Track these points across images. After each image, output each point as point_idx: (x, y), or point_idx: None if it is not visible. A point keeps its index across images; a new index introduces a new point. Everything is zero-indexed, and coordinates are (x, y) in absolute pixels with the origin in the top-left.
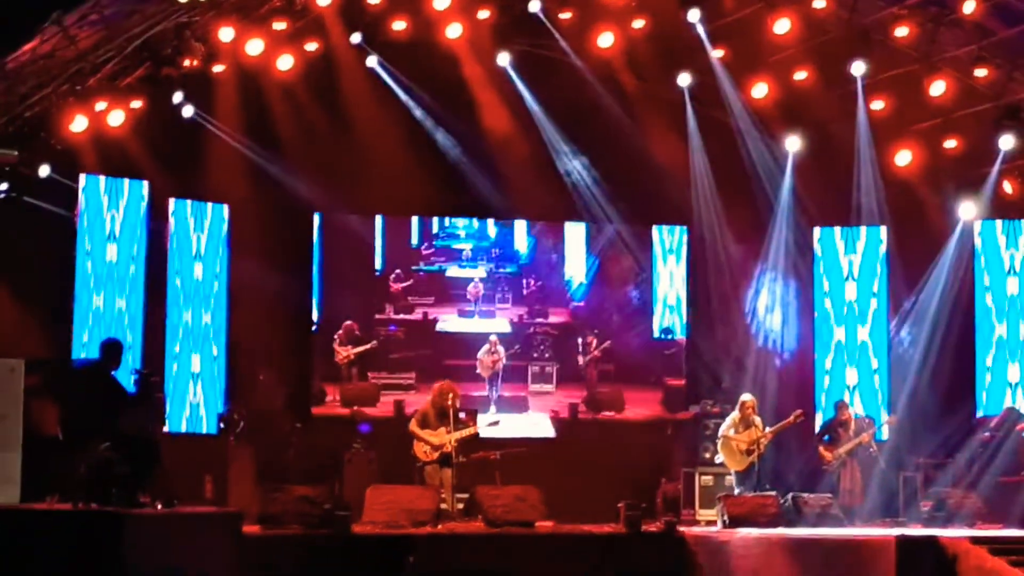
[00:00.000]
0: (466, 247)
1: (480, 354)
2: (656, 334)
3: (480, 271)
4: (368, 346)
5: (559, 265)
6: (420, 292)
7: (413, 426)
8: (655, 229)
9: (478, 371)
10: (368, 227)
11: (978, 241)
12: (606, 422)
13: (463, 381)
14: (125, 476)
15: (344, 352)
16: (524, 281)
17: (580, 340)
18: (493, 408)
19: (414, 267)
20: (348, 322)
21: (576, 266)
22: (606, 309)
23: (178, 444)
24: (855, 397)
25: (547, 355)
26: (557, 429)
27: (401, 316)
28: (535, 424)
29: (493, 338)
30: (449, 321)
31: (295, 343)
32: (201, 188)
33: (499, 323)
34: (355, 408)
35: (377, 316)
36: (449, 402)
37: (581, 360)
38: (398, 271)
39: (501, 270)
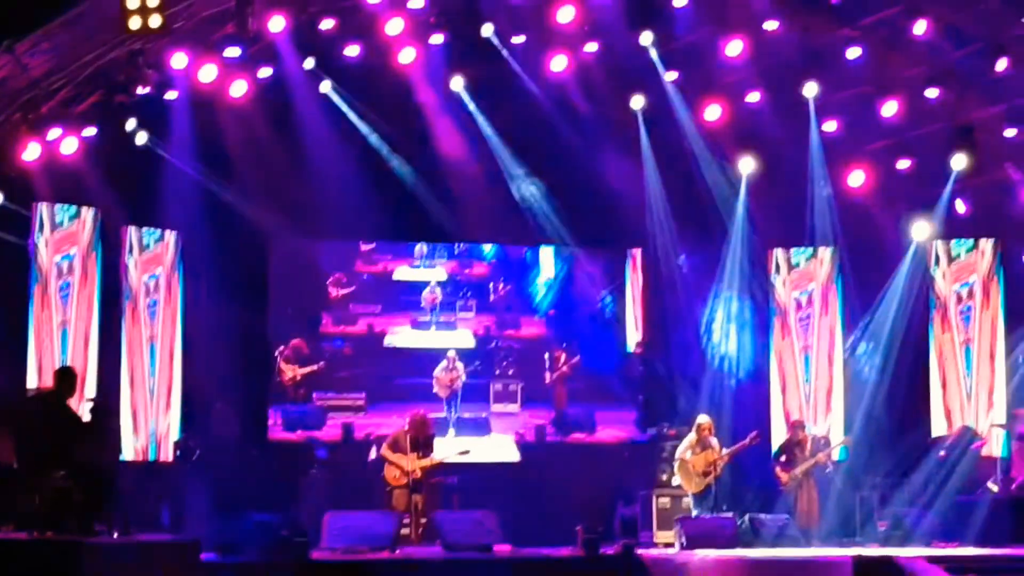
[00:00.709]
0: (420, 244)
1: (437, 371)
2: (630, 348)
3: (438, 272)
4: (314, 367)
5: (533, 265)
6: (364, 299)
7: (385, 450)
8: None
9: (434, 390)
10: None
11: (931, 261)
12: (576, 445)
13: (417, 401)
14: (81, 504)
15: (290, 372)
16: (491, 285)
17: (547, 355)
18: (452, 431)
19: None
20: (296, 340)
21: (548, 268)
22: (576, 320)
23: (134, 472)
24: (810, 418)
25: (511, 372)
26: (522, 453)
27: (342, 328)
28: (498, 447)
29: (451, 354)
30: (400, 334)
31: (250, 370)
32: (155, 215)
33: (461, 336)
34: (300, 432)
35: (321, 330)
36: (425, 433)
37: (548, 377)
38: (338, 274)
39: (464, 271)
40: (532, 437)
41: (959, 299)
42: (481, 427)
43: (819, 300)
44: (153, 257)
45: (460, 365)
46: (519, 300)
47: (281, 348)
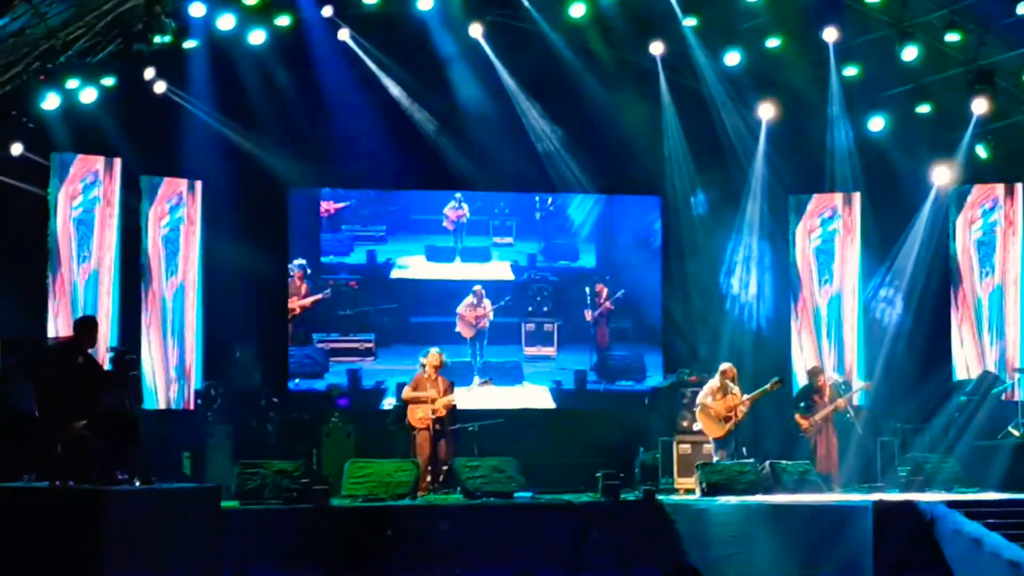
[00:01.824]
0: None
1: (460, 308)
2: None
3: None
4: (320, 296)
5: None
6: (362, 218)
7: (407, 392)
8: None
9: (457, 329)
10: None
11: (952, 205)
12: (623, 395)
13: (436, 343)
14: (102, 454)
15: (291, 303)
16: (536, 198)
17: (588, 289)
18: (477, 378)
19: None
20: (298, 264)
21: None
22: (620, 247)
23: (155, 421)
24: (830, 363)
25: (546, 309)
26: (559, 403)
27: (332, 259)
28: (531, 397)
29: (477, 288)
30: (412, 267)
31: (270, 319)
32: (174, 164)
33: (496, 268)
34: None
35: (323, 260)
36: (435, 365)
37: (589, 315)
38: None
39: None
40: (571, 384)
41: (980, 244)
42: (512, 374)
43: (839, 245)
44: (173, 206)
45: (487, 302)
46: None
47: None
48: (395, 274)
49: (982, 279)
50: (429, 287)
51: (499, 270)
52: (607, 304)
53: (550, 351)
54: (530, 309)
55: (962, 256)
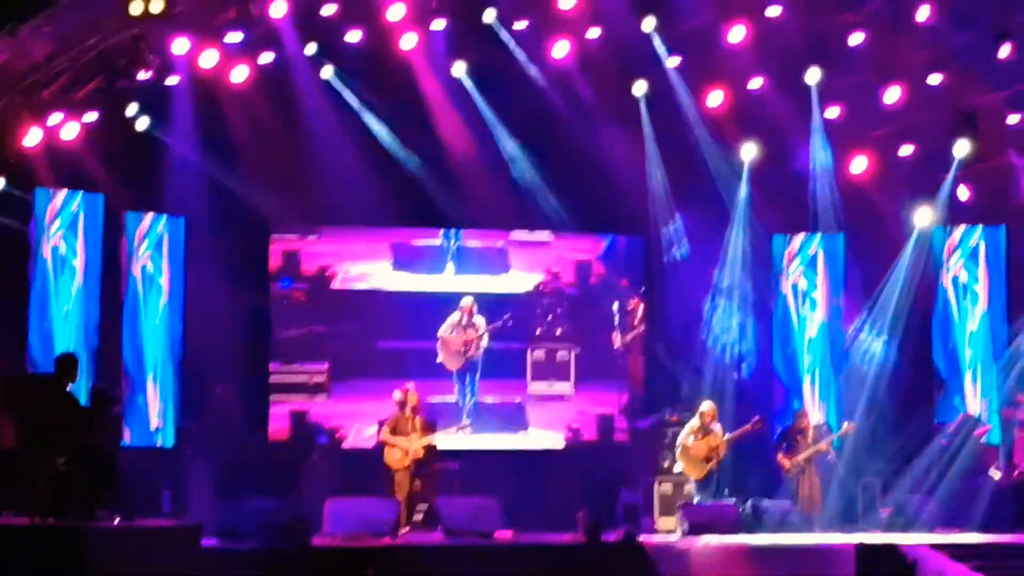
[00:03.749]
0: None
1: (443, 330)
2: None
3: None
4: None
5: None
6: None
7: (384, 433)
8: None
9: (440, 359)
10: None
11: (933, 247)
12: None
13: (411, 377)
14: (82, 490)
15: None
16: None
17: (616, 306)
18: (466, 421)
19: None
20: None
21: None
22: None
23: (135, 457)
24: (813, 404)
25: (559, 331)
26: (576, 450)
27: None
28: (538, 443)
29: (467, 303)
30: (376, 276)
31: (252, 355)
32: (157, 201)
33: (504, 280)
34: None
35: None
36: (411, 405)
37: (618, 339)
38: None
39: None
40: (594, 434)
41: (962, 286)
42: (512, 419)
43: (822, 286)
44: (155, 242)
45: (480, 320)
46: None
47: None
48: (341, 284)
49: (963, 321)
50: (402, 300)
51: (507, 282)
52: (641, 326)
53: (565, 388)
54: (538, 331)
55: (942, 298)
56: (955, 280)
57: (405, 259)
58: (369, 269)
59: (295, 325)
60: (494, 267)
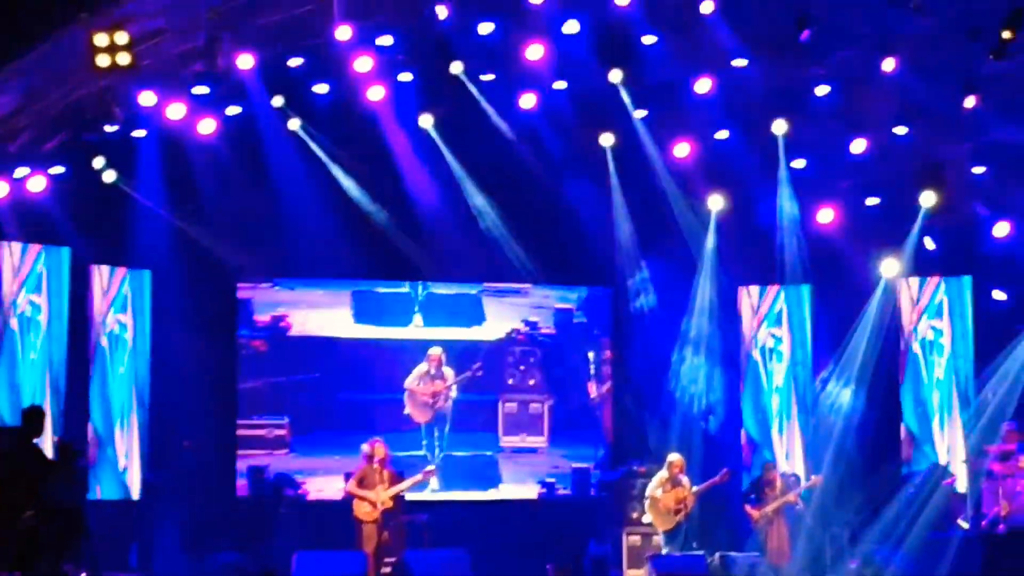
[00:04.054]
0: None
1: (410, 381)
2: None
3: None
4: None
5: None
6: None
7: (351, 486)
8: None
9: (406, 411)
10: None
11: (900, 298)
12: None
13: (376, 431)
14: (50, 544)
15: None
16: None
17: (592, 355)
18: (431, 466)
19: None
20: None
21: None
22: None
23: (103, 511)
24: (781, 456)
25: (532, 381)
26: (552, 505)
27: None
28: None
29: (434, 352)
30: (336, 325)
31: (219, 408)
32: (123, 254)
33: (477, 329)
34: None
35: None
36: (378, 458)
37: (594, 389)
38: None
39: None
40: (569, 486)
41: (929, 337)
42: (484, 474)
43: (788, 337)
44: (121, 296)
45: (449, 371)
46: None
47: None
48: (299, 332)
49: (931, 371)
50: (365, 349)
51: (481, 330)
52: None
53: (539, 441)
54: (510, 381)
55: (909, 349)
56: (920, 331)
57: (368, 309)
58: (329, 318)
59: (253, 377)
60: (467, 317)
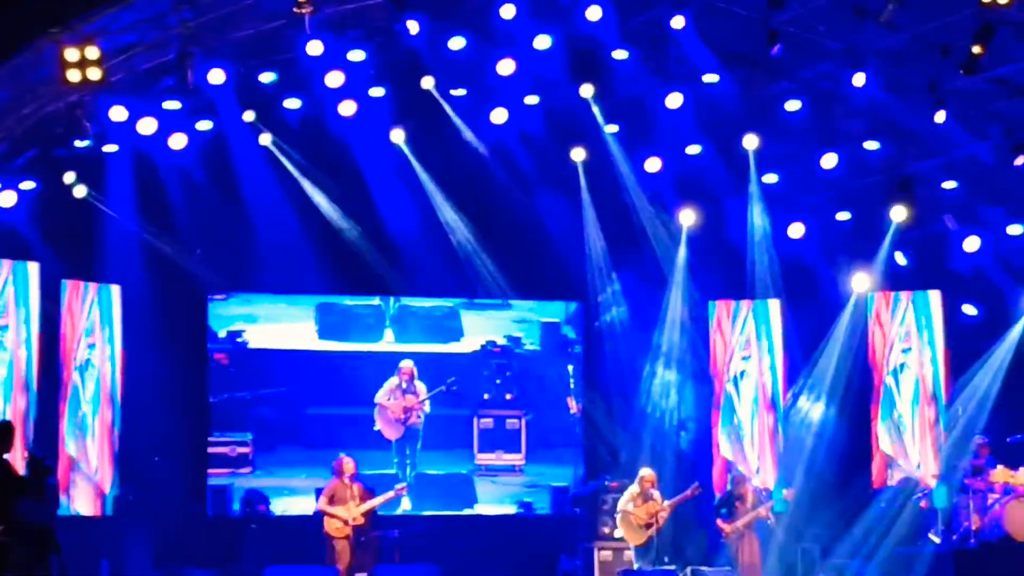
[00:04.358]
0: None
1: (381, 395)
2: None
3: None
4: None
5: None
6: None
7: (322, 503)
8: None
9: (376, 427)
10: None
11: (871, 313)
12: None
13: (345, 447)
14: (20, 560)
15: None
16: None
17: (571, 369)
18: (402, 484)
19: None
20: None
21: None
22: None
23: (73, 527)
24: (752, 470)
25: (509, 395)
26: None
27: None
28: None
29: (407, 365)
30: (301, 337)
31: (190, 424)
32: (94, 269)
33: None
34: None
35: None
36: (348, 474)
37: (574, 405)
38: None
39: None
40: (547, 507)
41: (900, 351)
42: (458, 493)
43: (760, 352)
44: (92, 311)
45: (421, 386)
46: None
47: None
48: (260, 344)
49: (900, 387)
50: (332, 362)
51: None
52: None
53: (516, 459)
54: (486, 396)
55: (880, 364)
56: (891, 346)
57: (333, 324)
58: (292, 331)
59: (215, 392)
60: (443, 333)
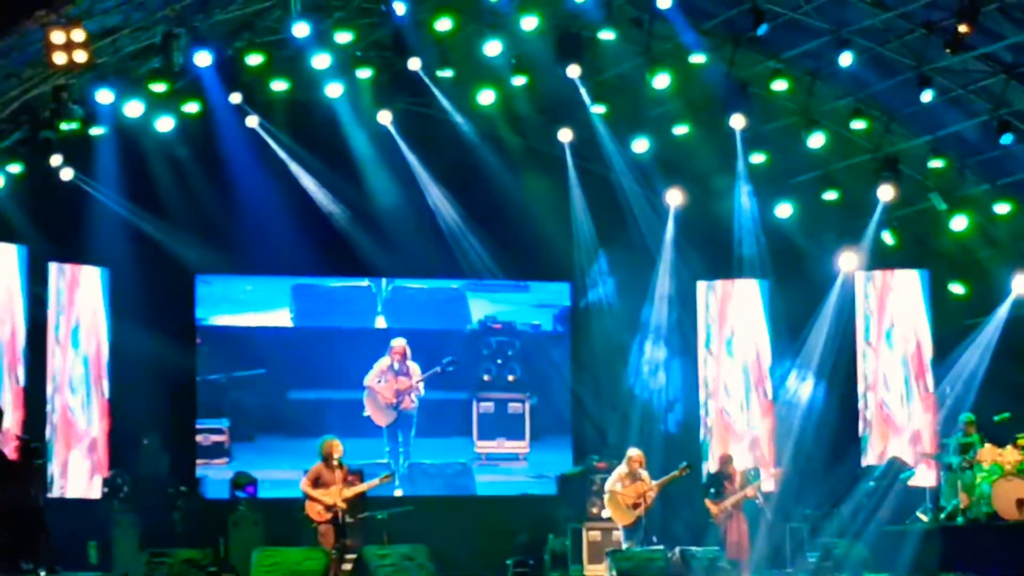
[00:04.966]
0: None
1: (371, 378)
2: None
3: None
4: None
5: None
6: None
7: (305, 485)
8: None
9: (366, 413)
10: None
11: (859, 292)
12: None
13: (335, 433)
14: (8, 544)
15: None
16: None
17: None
18: (397, 485)
19: None
20: None
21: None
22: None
23: (61, 510)
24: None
25: (512, 377)
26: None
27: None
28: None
29: (398, 344)
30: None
31: (178, 406)
32: (81, 251)
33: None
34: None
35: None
36: (336, 458)
37: None
38: None
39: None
40: (554, 494)
41: (887, 330)
42: (456, 485)
43: (748, 332)
44: (80, 293)
45: (414, 367)
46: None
47: None
48: (239, 323)
49: (887, 366)
50: (317, 341)
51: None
52: None
53: (519, 446)
54: (487, 377)
55: (868, 343)
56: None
57: (312, 309)
58: (273, 313)
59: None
60: (446, 317)
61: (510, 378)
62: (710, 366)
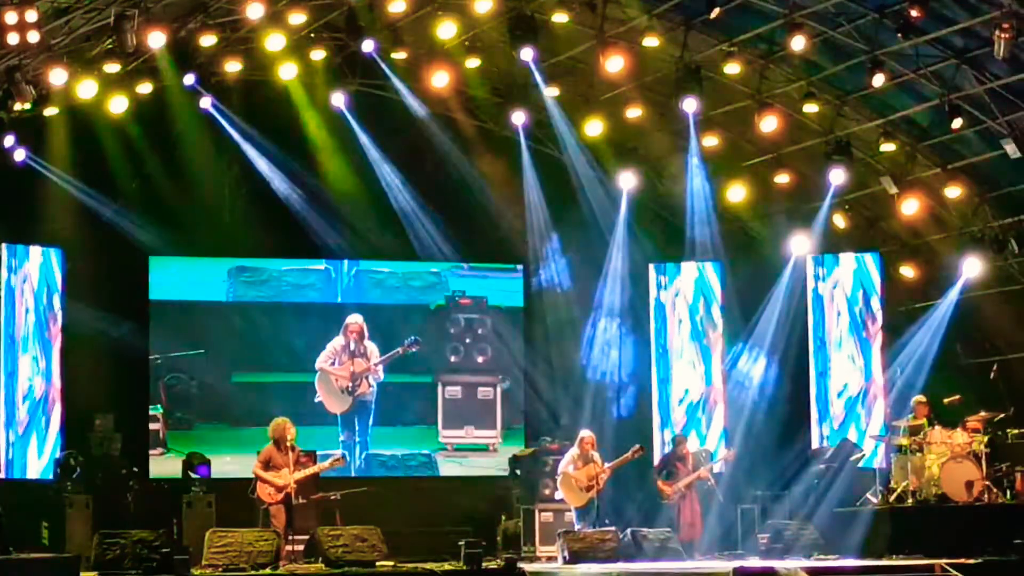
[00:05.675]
0: None
1: (323, 360)
2: None
3: None
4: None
5: None
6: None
7: (257, 468)
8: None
9: (318, 398)
10: None
11: (810, 275)
12: None
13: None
14: None
15: None
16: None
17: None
18: (339, 452)
19: None
20: None
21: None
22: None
23: (13, 491)
24: (692, 431)
25: (481, 358)
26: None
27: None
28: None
29: (355, 321)
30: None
31: (131, 388)
32: (34, 232)
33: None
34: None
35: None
36: (288, 440)
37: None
38: None
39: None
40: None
41: (838, 313)
42: (419, 475)
43: (699, 314)
44: (33, 275)
45: (373, 347)
46: None
47: None
48: (175, 297)
49: (839, 348)
50: (263, 317)
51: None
52: None
53: (490, 436)
54: (454, 358)
55: (819, 325)
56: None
57: (259, 291)
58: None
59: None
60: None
61: (480, 359)
62: (662, 349)
